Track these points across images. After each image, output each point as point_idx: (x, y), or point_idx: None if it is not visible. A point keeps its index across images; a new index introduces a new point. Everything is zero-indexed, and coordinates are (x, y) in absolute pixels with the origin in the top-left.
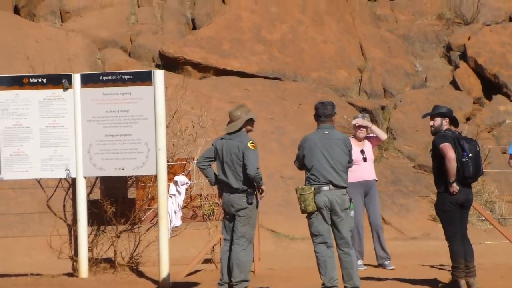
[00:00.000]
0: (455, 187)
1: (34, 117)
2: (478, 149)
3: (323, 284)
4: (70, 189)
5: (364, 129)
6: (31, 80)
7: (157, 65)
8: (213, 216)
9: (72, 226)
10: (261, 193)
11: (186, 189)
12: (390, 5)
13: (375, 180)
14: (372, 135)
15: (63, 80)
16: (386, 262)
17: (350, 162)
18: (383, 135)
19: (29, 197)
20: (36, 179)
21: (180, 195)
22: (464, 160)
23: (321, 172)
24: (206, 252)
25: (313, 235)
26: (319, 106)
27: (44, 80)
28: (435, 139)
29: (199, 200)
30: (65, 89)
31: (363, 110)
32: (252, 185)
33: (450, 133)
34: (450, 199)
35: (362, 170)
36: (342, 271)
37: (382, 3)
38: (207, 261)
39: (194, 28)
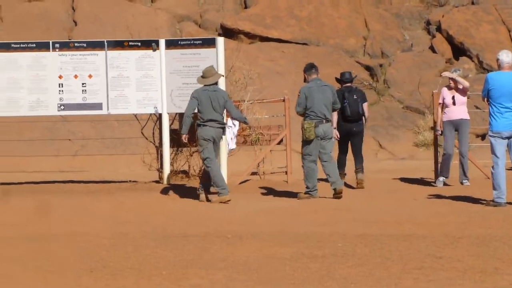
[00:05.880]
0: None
1: (132, 70)
2: (355, 97)
3: (307, 187)
4: (158, 121)
5: (452, 80)
6: (130, 43)
7: (219, 34)
8: (258, 142)
9: (159, 148)
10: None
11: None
12: None
13: (465, 119)
14: (460, 86)
15: (153, 44)
16: (464, 181)
17: (335, 103)
18: (465, 83)
19: (129, 126)
20: (133, 114)
21: (235, 126)
22: (344, 105)
23: (319, 109)
24: (253, 167)
25: (307, 155)
26: (311, 66)
27: (139, 44)
28: None
29: (248, 130)
30: (154, 50)
31: (447, 67)
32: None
33: (344, 89)
34: (338, 129)
35: (452, 112)
36: (327, 176)
37: None
38: (253, 173)
39: (246, 7)
